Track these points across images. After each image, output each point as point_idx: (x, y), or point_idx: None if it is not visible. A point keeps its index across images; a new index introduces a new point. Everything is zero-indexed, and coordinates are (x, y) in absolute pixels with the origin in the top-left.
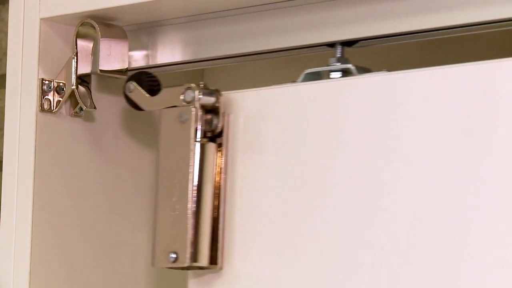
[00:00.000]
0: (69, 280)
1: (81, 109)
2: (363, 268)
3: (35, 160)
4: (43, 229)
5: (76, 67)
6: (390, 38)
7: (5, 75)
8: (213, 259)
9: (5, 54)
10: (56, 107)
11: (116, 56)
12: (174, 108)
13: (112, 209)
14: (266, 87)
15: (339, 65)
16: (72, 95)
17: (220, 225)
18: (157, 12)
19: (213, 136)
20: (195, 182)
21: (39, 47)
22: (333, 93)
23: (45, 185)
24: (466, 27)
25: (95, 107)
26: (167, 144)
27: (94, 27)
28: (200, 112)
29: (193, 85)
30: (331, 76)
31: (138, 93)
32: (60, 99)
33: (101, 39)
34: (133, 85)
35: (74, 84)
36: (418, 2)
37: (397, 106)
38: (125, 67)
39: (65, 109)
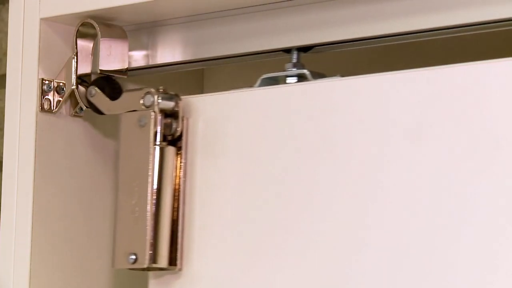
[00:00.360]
0: (69, 280)
1: (81, 109)
2: (317, 266)
3: (35, 160)
4: (43, 229)
5: (76, 67)
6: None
7: (5, 75)
8: (173, 260)
9: (5, 54)
10: (56, 107)
11: (116, 56)
12: (133, 112)
13: (112, 209)
14: (224, 92)
15: (294, 70)
16: (72, 95)
17: (179, 227)
18: (157, 12)
19: (173, 139)
20: (155, 185)
21: (39, 47)
22: (288, 98)
23: (45, 185)
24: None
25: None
26: (127, 148)
27: (94, 27)
28: (159, 116)
29: (152, 89)
30: (287, 81)
31: (99, 97)
32: (60, 99)
33: (101, 39)
34: (94, 90)
35: (74, 84)
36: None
37: (350, 110)
38: (125, 67)
39: (65, 109)
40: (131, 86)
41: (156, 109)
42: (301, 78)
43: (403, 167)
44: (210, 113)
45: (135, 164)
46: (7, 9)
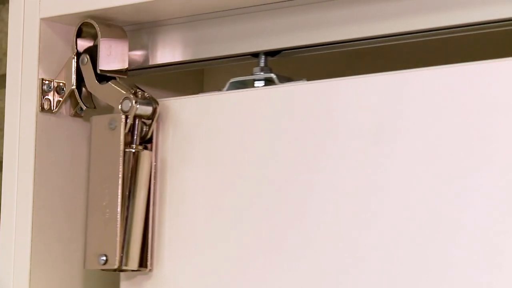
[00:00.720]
0: (69, 280)
1: (81, 109)
2: (283, 269)
3: (35, 160)
4: (43, 229)
5: (76, 67)
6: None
7: (5, 75)
8: (144, 262)
9: (5, 54)
10: (56, 107)
11: (116, 56)
12: (104, 115)
13: None
14: (193, 95)
15: (262, 74)
16: (72, 95)
17: (150, 229)
18: (157, 12)
19: (144, 142)
20: (125, 187)
21: (39, 47)
22: (255, 101)
23: (45, 185)
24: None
25: (95, 107)
26: (98, 150)
27: (94, 27)
28: (130, 121)
29: (131, 95)
30: (255, 85)
31: (89, 69)
32: (60, 99)
33: (101, 39)
34: (86, 58)
35: (74, 84)
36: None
37: (315, 113)
38: (125, 67)
39: (65, 109)
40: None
41: (133, 113)
42: (268, 81)
43: (367, 169)
44: (179, 116)
45: (105, 166)
46: (7, 9)
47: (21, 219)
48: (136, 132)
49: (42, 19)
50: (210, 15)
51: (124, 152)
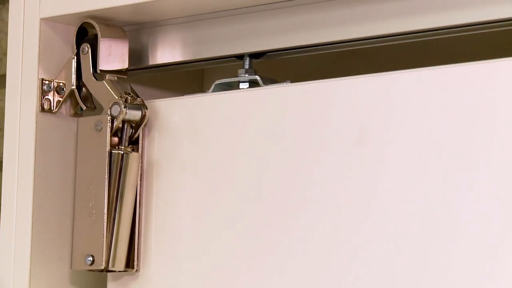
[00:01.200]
0: (69, 280)
1: (81, 109)
2: (269, 272)
3: (35, 160)
4: (43, 229)
5: (76, 67)
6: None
7: (5, 75)
8: (130, 262)
9: (5, 54)
10: (56, 107)
11: (116, 56)
12: (90, 116)
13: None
14: (178, 97)
15: (246, 76)
16: (72, 95)
17: (137, 230)
18: (157, 12)
19: (130, 143)
20: (112, 189)
21: (39, 47)
22: (240, 103)
23: (45, 185)
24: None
25: (95, 107)
26: (84, 151)
27: (94, 27)
28: (116, 123)
29: (121, 100)
30: (240, 87)
31: (88, 60)
32: (60, 99)
33: (101, 39)
34: (87, 47)
35: (74, 84)
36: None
37: (298, 115)
38: (125, 67)
39: (65, 109)
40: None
41: (121, 118)
42: (253, 83)
43: (352, 170)
44: (165, 117)
45: (92, 168)
46: (7, 9)
47: (21, 219)
48: (124, 134)
49: (42, 19)
50: (210, 15)
51: (111, 153)
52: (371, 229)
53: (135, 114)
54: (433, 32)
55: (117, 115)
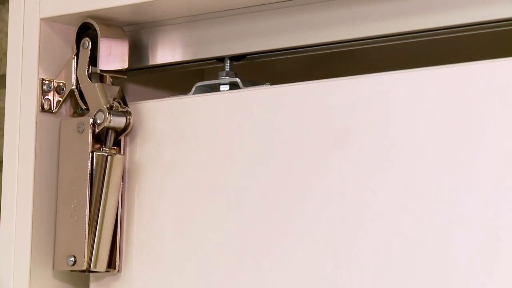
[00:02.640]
0: (69, 280)
1: (81, 109)
2: (251, 273)
3: (35, 160)
4: (43, 229)
5: (76, 67)
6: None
7: (5, 75)
8: (112, 263)
9: (5, 54)
10: (56, 107)
11: (116, 56)
12: (73, 118)
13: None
14: (160, 99)
15: (227, 79)
16: (72, 95)
17: (119, 231)
18: (157, 12)
19: (114, 145)
20: (94, 190)
21: (39, 47)
22: (220, 105)
23: (45, 185)
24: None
25: None
26: (67, 153)
27: (94, 27)
28: (97, 128)
29: (106, 108)
30: (220, 89)
31: (86, 57)
32: (60, 99)
33: (101, 39)
34: (88, 42)
35: (74, 84)
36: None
37: (277, 117)
38: (125, 67)
39: (65, 109)
40: (131, 86)
41: (106, 125)
42: (234, 86)
43: (330, 173)
44: (148, 119)
45: (74, 169)
46: (7, 9)
47: (21, 219)
48: (108, 138)
49: (42, 19)
50: (210, 15)
51: (93, 155)
52: (346, 232)
53: (119, 122)
54: (433, 32)
55: (101, 123)
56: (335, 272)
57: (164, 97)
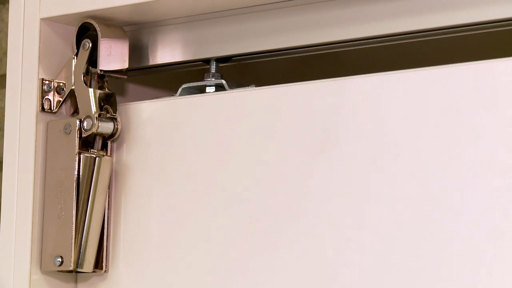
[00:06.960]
0: (69, 280)
1: None
2: (240, 273)
3: (35, 160)
4: (43, 229)
5: (76, 67)
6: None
7: (5, 75)
8: (99, 264)
9: (5, 54)
10: (56, 107)
11: (116, 56)
12: (60, 119)
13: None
14: (146, 101)
15: (213, 80)
16: (72, 95)
17: (105, 231)
18: (157, 12)
19: (102, 146)
20: (82, 191)
21: (39, 47)
22: (206, 106)
23: (45, 185)
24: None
25: None
26: (54, 154)
27: (94, 28)
28: (84, 133)
29: (94, 116)
30: (206, 91)
31: (84, 58)
32: (60, 99)
33: (101, 39)
34: (88, 43)
35: (74, 84)
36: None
37: (262, 118)
38: (125, 67)
39: (65, 109)
40: (131, 86)
41: (94, 131)
42: (219, 87)
43: (314, 175)
44: (135, 120)
45: (61, 170)
46: (7, 9)
47: (21, 219)
48: (96, 141)
49: (42, 19)
50: (211, 15)
51: (80, 156)
52: (335, 233)
53: (107, 128)
54: (433, 32)
55: (88, 129)
56: (324, 272)
57: (164, 97)
